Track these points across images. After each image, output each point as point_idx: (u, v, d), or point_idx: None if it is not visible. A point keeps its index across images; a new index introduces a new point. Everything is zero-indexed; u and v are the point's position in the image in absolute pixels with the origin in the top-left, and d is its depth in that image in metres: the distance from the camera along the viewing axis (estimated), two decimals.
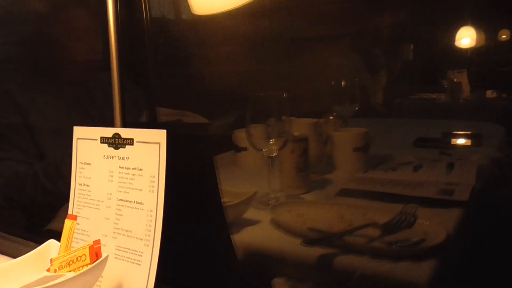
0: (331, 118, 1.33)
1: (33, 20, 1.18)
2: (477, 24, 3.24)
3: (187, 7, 0.68)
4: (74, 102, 1.21)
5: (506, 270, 0.74)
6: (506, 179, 1.18)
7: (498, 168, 1.20)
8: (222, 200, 0.82)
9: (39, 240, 0.75)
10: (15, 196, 1.10)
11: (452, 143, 1.43)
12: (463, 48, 3.18)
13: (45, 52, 1.18)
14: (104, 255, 0.55)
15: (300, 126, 1.11)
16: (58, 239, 0.61)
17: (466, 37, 3.07)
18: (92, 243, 0.56)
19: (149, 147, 0.57)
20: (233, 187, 0.94)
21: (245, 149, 1.22)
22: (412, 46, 3.25)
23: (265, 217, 0.83)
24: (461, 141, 1.46)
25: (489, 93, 2.89)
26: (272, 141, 0.91)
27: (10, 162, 1.11)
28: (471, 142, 1.45)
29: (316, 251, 0.67)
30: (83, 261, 0.55)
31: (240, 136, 1.23)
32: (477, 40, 3.13)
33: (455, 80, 2.84)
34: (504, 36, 3.75)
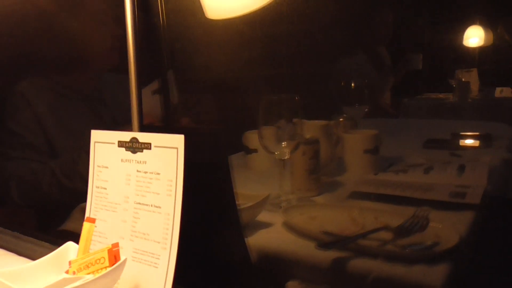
0: (341, 120, 1.33)
1: (46, 19, 1.19)
2: (485, 23, 3.22)
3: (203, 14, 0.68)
4: (85, 100, 1.22)
5: None
6: None
7: (510, 169, 1.20)
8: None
9: (53, 240, 0.77)
10: (31, 194, 1.12)
11: (462, 144, 1.43)
12: (471, 47, 3.17)
13: (57, 50, 1.20)
14: (122, 258, 0.56)
15: (311, 128, 1.12)
16: (72, 239, 0.62)
17: (474, 36, 3.06)
18: (110, 246, 0.57)
19: (167, 152, 0.58)
20: (244, 189, 0.95)
21: (255, 150, 1.23)
22: (420, 46, 3.25)
23: (277, 219, 0.83)
24: (471, 142, 1.45)
25: (498, 92, 2.89)
26: (284, 144, 0.91)
27: (24, 161, 1.12)
28: (481, 143, 1.44)
29: (330, 255, 0.67)
30: (101, 263, 0.56)
31: (251, 138, 1.23)
32: (486, 39, 3.11)
33: (463, 79, 2.83)
34: None
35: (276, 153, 0.92)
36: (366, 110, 1.48)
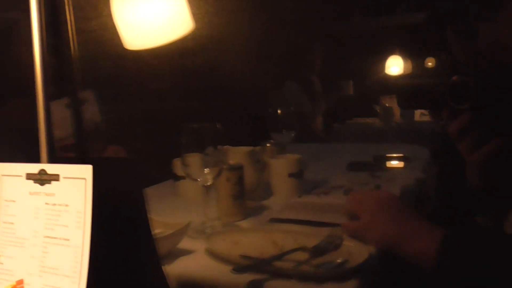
0: (268, 145, 1.37)
1: None
2: (403, 53, 3.49)
3: (116, 45, 0.70)
4: (18, 133, 1.17)
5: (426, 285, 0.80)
6: (428, 197, 1.27)
7: (421, 187, 1.29)
8: (155, 231, 0.82)
9: None
10: None
11: (382, 166, 1.52)
12: (393, 75, 3.41)
13: None
14: None
15: (236, 155, 1.14)
16: None
17: (394, 65, 3.30)
18: (15, 283, 0.55)
19: (75, 183, 0.58)
20: (170, 217, 0.94)
21: (183, 177, 1.23)
22: (348, 75, 3.45)
23: (201, 246, 0.84)
24: (389, 164, 1.55)
25: (418, 116, 3.11)
26: (206, 170, 0.93)
27: None
28: (399, 165, 1.55)
29: (246, 278, 0.69)
30: None
31: (178, 165, 1.24)
32: (405, 67, 3.37)
33: (387, 105, 3.03)
34: (430, 64, 4.07)
35: (199, 179, 0.93)
36: (293, 135, 1.54)
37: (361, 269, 0.70)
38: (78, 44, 0.64)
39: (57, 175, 0.59)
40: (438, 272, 0.70)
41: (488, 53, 0.81)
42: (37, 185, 0.61)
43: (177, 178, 1.27)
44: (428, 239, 0.74)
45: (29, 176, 0.62)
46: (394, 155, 1.65)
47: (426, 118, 2.96)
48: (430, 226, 0.78)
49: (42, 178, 0.60)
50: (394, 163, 1.56)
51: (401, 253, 0.76)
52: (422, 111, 2.98)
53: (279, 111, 1.52)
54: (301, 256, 0.75)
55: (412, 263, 0.75)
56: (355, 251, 0.76)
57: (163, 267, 0.65)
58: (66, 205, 0.58)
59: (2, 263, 0.62)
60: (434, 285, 0.74)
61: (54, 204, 0.59)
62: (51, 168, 0.60)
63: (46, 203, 0.60)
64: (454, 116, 0.79)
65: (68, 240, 0.57)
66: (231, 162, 1.06)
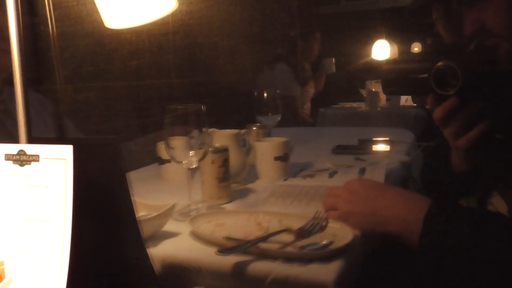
0: (254, 128, 1.37)
1: None
2: (390, 38, 3.49)
3: (94, 21, 0.67)
4: None
5: (408, 270, 0.81)
6: (413, 180, 1.28)
7: (406, 170, 1.31)
8: (140, 214, 0.82)
9: None
10: None
11: (367, 149, 1.53)
12: (379, 60, 3.40)
13: None
14: (8, 277, 0.53)
15: (222, 137, 1.13)
16: None
17: (381, 50, 3.30)
18: None
19: (56, 163, 0.56)
20: (155, 200, 0.93)
21: (168, 161, 1.22)
22: (335, 60, 3.45)
23: (186, 229, 0.83)
24: (374, 147, 1.56)
25: (403, 101, 3.13)
26: (192, 153, 0.92)
27: None
28: (384, 148, 1.55)
29: (231, 259, 0.68)
30: None
31: (163, 148, 1.22)
32: (391, 52, 3.37)
33: (373, 89, 3.04)
34: (416, 49, 4.05)
35: (184, 162, 0.92)
36: (279, 118, 1.53)
37: (345, 251, 0.70)
38: (56, 21, 0.62)
39: (37, 156, 0.58)
40: (422, 243, 0.70)
41: (473, 39, 0.81)
42: (17, 166, 0.59)
43: (162, 161, 1.26)
44: (415, 206, 0.74)
45: (8, 157, 0.60)
46: (379, 138, 1.65)
47: (411, 103, 2.98)
48: (415, 194, 0.79)
49: (21, 159, 0.59)
50: (379, 147, 1.57)
51: (386, 228, 0.76)
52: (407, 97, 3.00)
53: (265, 94, 1.51)
54: (287, 238, 0.75)
55: (396, 238, 0.75)
56: (340, 233, 0.76)
57: (147, 250, 0.64)
58: (46, 186, 0.57)
59: None
60: (417, 263, 0.74)
61: (34, 186, 0.58)
62: (31, 149, 0.58)
63: (26, 185, 0.58)
64: (439, 102, 0.79)
65: (49, 221, 0.56)
66: (217, 144, 1.06)
